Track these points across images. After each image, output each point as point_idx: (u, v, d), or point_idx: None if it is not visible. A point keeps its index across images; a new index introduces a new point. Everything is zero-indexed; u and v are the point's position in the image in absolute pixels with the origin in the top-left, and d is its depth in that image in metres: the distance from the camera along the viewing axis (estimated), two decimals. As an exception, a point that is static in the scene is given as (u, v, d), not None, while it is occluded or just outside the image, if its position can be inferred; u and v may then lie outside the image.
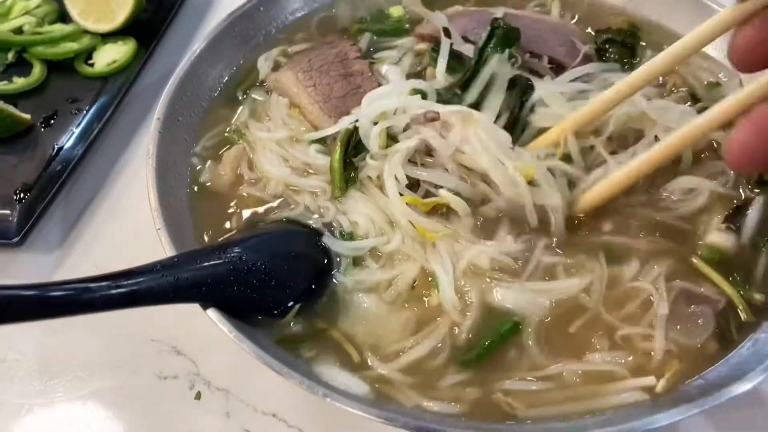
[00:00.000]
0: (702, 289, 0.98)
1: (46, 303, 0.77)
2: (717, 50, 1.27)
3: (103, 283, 0.80)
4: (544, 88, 1.12)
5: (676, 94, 1.24)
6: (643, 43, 1.35)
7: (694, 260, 1.02)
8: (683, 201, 1.08)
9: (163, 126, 1.12)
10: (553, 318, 0.97)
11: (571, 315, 0.97)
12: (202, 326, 0.93)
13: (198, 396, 1.07)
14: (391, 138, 1.07)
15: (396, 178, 1.02)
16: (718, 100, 1.20)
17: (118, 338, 1.13)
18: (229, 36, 1.31)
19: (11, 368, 1.11)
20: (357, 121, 1.09)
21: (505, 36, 1.14)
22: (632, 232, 1.05)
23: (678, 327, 0.95)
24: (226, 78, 1.31)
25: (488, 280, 0.99)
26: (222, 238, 1.07)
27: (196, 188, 1.15)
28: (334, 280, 1.00)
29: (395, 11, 1.38)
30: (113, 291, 0.80)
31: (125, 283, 0.81)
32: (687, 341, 0.94)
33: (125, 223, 1.30)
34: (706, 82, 1.27)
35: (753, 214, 1.05)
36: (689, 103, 1.21)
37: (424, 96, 1.12)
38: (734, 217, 1.05)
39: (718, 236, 1.03)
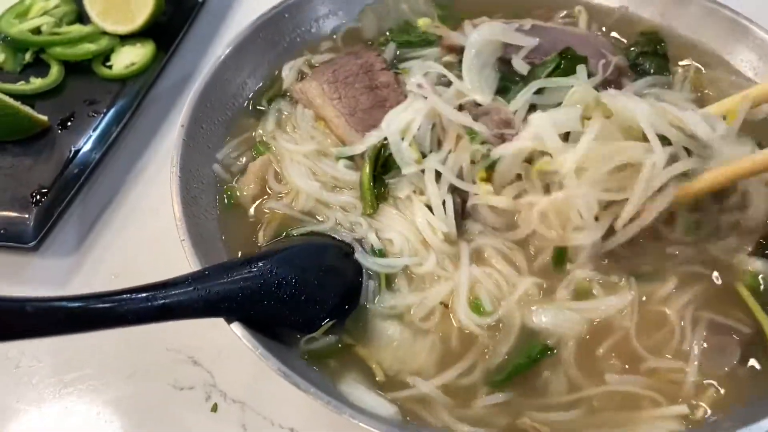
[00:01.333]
0: (729, 321, 0.97)
1: (82, 315, 0.76)
2: (751, 69, 1.26)
3: (136, 296, 0.78)
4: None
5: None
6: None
7: (738, 287, 1.00)
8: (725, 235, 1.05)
9: (187, 133, 1.11)
10: (586, 340, 0.96)
11: (601, 337, 0.96)
12: (218, 336, 0.92)
13: (215, 408, 1.05)
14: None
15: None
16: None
17: (134, 346, 1.11)
18: (253, 42, 1.29)
19: (26, 374, 1.10)
20: (385, 138, 1.08)
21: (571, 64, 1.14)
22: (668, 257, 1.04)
23: (706, 357, 0.94)
24: (250, 86, 1.29)
25: (523, 301, 0.99)
26: (250, 251, 1.06)
27: (219, 198, 1.13)
28: (365, 305, 0.99)
29: (422, 22, 1.37)
30: (145, 305, 0.78)
31: (159, 295, 0.79)
32: (713, 370, 0.93)
33: (142, 229, 1.28)
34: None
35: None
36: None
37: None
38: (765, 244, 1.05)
39: (753, 264, 1.02)
